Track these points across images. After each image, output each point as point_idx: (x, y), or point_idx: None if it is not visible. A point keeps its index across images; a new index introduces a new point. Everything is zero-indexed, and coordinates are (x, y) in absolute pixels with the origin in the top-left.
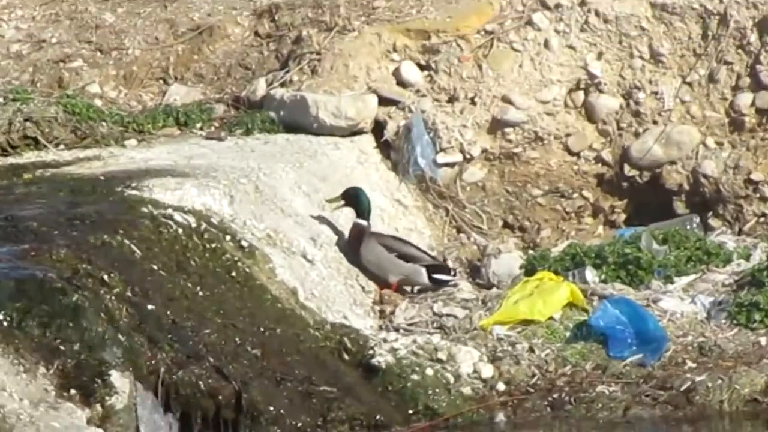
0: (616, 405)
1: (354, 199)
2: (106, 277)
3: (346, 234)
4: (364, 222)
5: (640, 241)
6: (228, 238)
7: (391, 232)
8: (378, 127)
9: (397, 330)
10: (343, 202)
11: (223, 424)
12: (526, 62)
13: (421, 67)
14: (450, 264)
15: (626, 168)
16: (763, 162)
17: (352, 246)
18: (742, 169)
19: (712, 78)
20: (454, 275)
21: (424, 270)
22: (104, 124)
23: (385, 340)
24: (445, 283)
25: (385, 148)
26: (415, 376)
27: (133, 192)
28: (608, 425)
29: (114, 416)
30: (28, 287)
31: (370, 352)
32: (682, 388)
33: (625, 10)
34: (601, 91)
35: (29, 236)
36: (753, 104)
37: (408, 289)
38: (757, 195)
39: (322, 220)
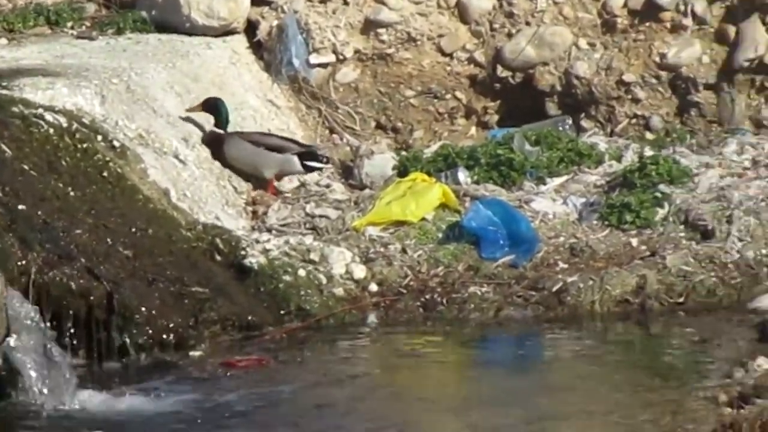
0: (487, 306)
1: (213, 108)
2: None
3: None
4: (219, 130)
5: (513, 142)
6: (99, 138)
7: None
8: (251, 27)
9: (269, 231)
10: (202, 109)
11: (95, 325)
12: None
13: None
14: (319, 150)
15: (499, 69)
16: (635, 63)
17: (211, 152)
18: (614, 71)
19: None
20: (326, 162)
21: (296, 158)
22: None
23: (257, 241)
24: (317, 168)
25: (257, 48)
26: (287, 277)
27: (3, 92)
28: (480, 326)
29: None
30: None
31: (242, 252)
32: (554, 289)
33: None
34: None
35: None
36: (625, 5)
37: (282, 188)
38: (629, 96)
39: (194, 120)
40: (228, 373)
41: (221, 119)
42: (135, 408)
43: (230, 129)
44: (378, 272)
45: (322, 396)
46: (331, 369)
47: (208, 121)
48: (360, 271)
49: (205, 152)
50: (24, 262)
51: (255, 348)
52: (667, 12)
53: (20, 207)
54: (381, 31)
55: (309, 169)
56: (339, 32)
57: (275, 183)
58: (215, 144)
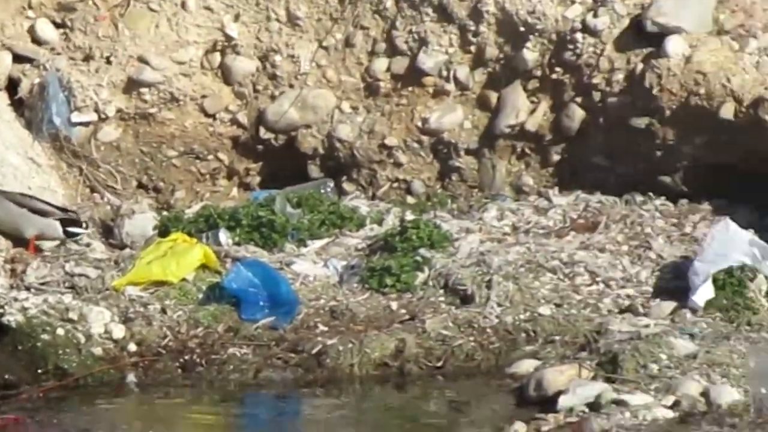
0: (247, 367)
1: None
2: None
3: None
4: None
5: (275, 204)
6: None
7: (23, 191)
8: (12, 84)
9: (28, 289)
10: None
11: None
12: (163, 22)
13: (57, 25)
14: (81, 217)
15: (262, 131)
16: (397, 127)
17: None
18: (377, 134)
19: (348, 42)
20: (86, 228)
21: (58, 223)
22: None
23: (15, 299)
24: (78, 234)
25: (18, 105)
26: (45, 336)
27: None
28: (239, 387)
29: None
30: None
31: (0, 310)
32: (314, 351)
33: None
34: (237, 53)
35: None
36: (389, 69)
37: (42, 246)
38: (391, 160)
39: None
40: None
41: None
42: None
43: None
44: (137, 332)
45: None
46: (87, 428)
47: None
48: (119, 331)
49: None
50: None
51: (11, 407)
52: (429, 77)
53: None
54: (144, 90)
55: (70, 235)
56: (101, 91)
57: (35, 242)
58: None
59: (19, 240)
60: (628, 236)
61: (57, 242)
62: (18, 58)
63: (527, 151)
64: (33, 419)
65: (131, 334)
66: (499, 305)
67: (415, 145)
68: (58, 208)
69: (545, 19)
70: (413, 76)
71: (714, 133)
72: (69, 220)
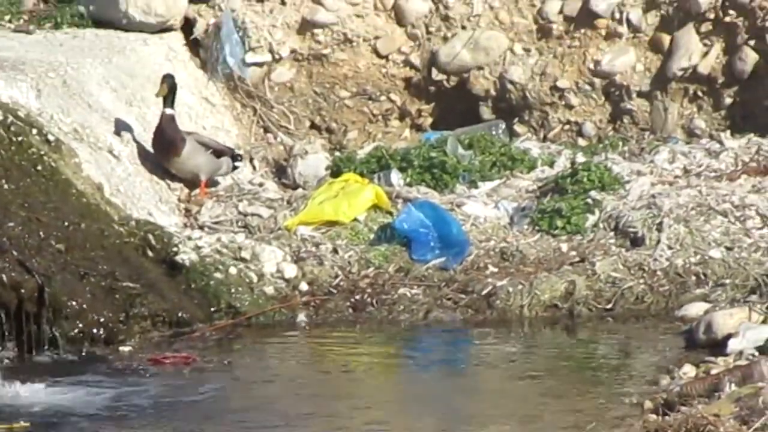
0: (417, 307)
1: (173, 86)
2: None
3: (152, 130)
4: (172, 111)
5: (446, 145)
6: (35, 131)
7: (197, 130)
8: (187, 25)
9: (201, 228)
10: (167, 89)
11: (26, 318)
12: None
13: None
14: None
15: (434, 72)
16: (569, 69)
17: (165, 139)
18: (549, 77)
19: None
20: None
21: (230, 160)
22: None
23: (189, 238)
24: (237, 168)
25: (194, 45)
26: (218, 275)
27: None
28: (409, 327)
29: None
30: None
31: (174, 249)
32: (483, 293)
33: None
34: None
35: None
36: (561, 11)
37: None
38: (563, 102)
39: (129, 115)
40: (155, 370)
41: (173, 98)
42: (63, 401)
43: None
44: (309, 271)
45: (246, 395)
46: (257, 368)
47: (143, 117)
48: (291, 270)
49: (139, 148)
50: None
51: (184, 345)
52: (602, 19)
53: None
54: (317, 31)
55: (234, 169)
56: (275, 32)
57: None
58: (173, 134)
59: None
60: None
61: (230, 182)
62: None
63: (699, 94)
64: (204, 358)
65: (303, 273)
66: (670, 248)
67: (587, 87)
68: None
69: None
70: (586, 18)
71: None
72: (234, 155)
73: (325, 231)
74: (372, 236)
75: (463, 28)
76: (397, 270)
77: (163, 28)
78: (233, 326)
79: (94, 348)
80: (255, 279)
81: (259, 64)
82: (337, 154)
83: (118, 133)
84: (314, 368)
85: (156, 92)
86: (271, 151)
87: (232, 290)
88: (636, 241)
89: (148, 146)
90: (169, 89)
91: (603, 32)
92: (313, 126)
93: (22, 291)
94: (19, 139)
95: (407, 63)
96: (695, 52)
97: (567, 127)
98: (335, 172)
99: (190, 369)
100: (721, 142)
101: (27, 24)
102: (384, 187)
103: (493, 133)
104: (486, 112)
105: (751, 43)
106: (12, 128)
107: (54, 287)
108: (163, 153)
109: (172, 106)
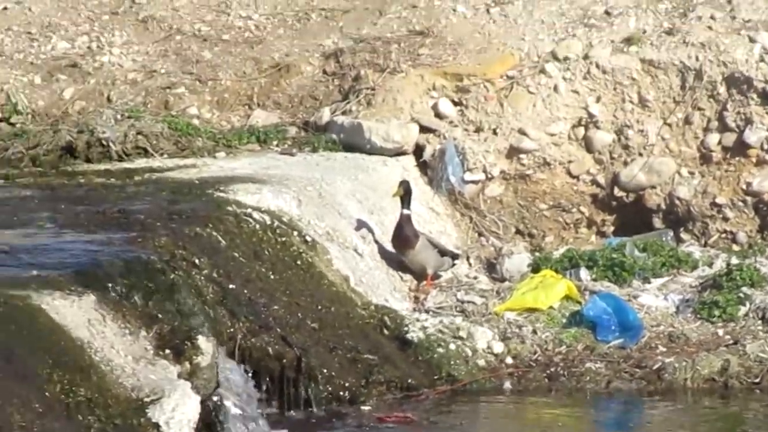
0: (600, 379)
1: (408, 189)
2: (197, 260)
3: (389, 235)
4: (408, 211)
5: (625, 248)
6: (295, 233)
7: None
8: (418, 150)
9: (427, 312)
10: (402, 191)
11: (286, 382)
12: (539, 102)
13: (455, 103)
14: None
15: (616, 190)
16: (725, 189)
17: (403, 234)
18: (709, 194)
19: (687, 120)
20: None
21: (450, 259)
22: (200, 139)
23: (417, 320)
24: (455, 264)
25: (423, 166)
26: (440, 349)
27: (221, 194)
28: (593, 395)
29: (199, 372)
30: (134, 267)
31: (405, 328)
32: (654, 368)
33: (619, 64)
34: (598, 128)
35: (137, 226)
36: (720, 143)
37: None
38: (720, 215)
39: (370, 221)
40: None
41: (409, 200)
42: None
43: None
44: (513, 348)
45: None
46: (470, 429)
47: (381, 223)
48: (498, 347)
49: (378, 247)
50: (232, 330)
51: (411, 406)
52: (753, 149)
53: (230, 286)
54: (522, 156)
55: (453, 265)
56: (488, 156)
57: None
58: (409, 231)
59: (417, 275)
60: None
61: (450, 276)
62: (423, 129)
63: None
64: (427, 419)
65: (508, 349)
66: None
67: (740, 203)
68: (449, 249)
69: None
70: (740, 147)
71: None
72: (454, 255)
73: (527, 316)
74: (564, 321)
75: (640, 155)
76: (584, 348)
77: (399, 152)
78: (452, 392)
79: (340, 407)
80: (470, 353)
81: (475, 182)
82: (537, 254)
83: (361, 235)
84: (516, 425)
85: (393, 192)
86: (484, 251)
87: (451, 362)
88: None
89: (386, 246)
90: (404, 191)
91: (754, 159)
92: (517, 232)
93: (284, 360)
94: (283, 239)
95: (594, 182)
96: None
97: (723, 235)
98: (535, 268)
99: (410, 426)
100: None
101: (291, 148)
102: (574, 281)
103: (663, 239)
104: (657, 222)
105: None
106: (277, 230)
107: (309, 358)
108: (400, 246)
109: (408, 207)
